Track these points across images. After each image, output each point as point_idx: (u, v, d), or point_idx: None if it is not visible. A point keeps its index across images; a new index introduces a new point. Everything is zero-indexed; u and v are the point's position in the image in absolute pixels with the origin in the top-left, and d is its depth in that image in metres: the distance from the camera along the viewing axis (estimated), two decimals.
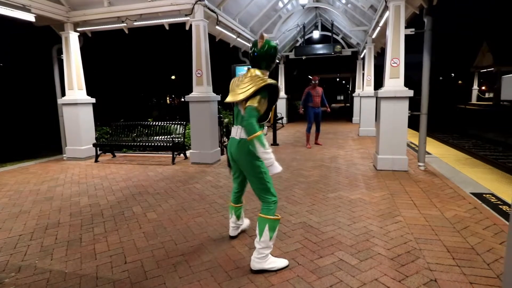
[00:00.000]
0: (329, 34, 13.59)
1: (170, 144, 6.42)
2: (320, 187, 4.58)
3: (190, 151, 6.41)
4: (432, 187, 4.41)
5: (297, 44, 14.44)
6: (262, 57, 2.38)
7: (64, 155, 7.32)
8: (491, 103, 27.32)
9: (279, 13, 10.25)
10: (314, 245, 2.80)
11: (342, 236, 2.96)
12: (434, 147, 7.49)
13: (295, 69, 21.76)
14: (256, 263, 2.37)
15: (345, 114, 19.99)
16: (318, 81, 7.74)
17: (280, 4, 10.01)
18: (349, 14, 10.05)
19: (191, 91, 6.31)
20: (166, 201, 4.13)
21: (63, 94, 7.14)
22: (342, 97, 36.61)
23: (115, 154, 7.47)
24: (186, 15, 6.20)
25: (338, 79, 41.15)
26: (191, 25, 6.26)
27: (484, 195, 4.04)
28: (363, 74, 14.06)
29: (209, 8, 6.30)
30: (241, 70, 8.26)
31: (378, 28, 7.77)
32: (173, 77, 36.25)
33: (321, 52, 12.91)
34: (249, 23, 9.15)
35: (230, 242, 2.91)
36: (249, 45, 10.03)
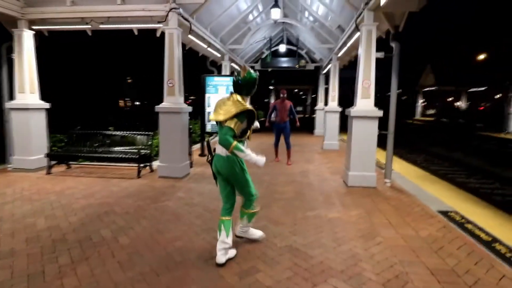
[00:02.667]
0: (294, 48, 13.97)
1: (136, 156, 6.02)
2: (297, 205, 4.57)
3: (158, 163, 6.06)
4: (402, 205, 4.62)
5: (263, 56, 14.61)
6: (244, 85, 2.79)
7: (9, 165, 6.51)
8: (433, 119, 30.10)
9: (249, 25, 10.29)
10: (305, 271, 2.73)
11: (331, 260, 2.94)
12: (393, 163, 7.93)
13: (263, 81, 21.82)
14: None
15: (306, 126, 20.57)
16: (286, 94, 7.56)
17: (250, 17, 10.05)
18: (315, 32, 10.41)
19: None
20: (138, 222, 3.81)
21: (11, 97, 6.37)
22: (301, 108, 37.87)
23: (70, 165, 6.81)
24: (158, 22, 5.92)
25: (296, 91, 42.40)
26: (162, 32, 6.00)
27: (449, 213, 4.32)
28: (325, 88, 14.65)
29: (183, 17, 6.08)
30: (211, 80, 8.13)
31: (345, 48, 8.12)
32: (129, 80, 34.62)
33: (286, 65, 13.20)
34: (220, 33, 9.04)
35: (217, 271, 2.73)
36: (218, 55, 9.91)
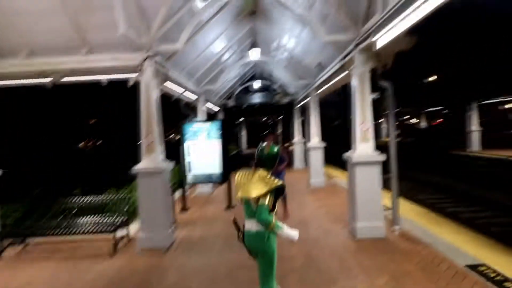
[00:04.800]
0: (267, 83, 13.88)
1: (112, 228, 5.09)
2: (314, 277, 3.93)
3: (139, 235, 5.17)
4: (425, 262, 4.16)
5: (236, 93, 14.30)
6: (269, 159, 2.95)
7: None
8: (399, 139, 31.35)
9: (224, 64, 9.94)
10: None
11: None
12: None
13: (232, 117, 21.44)
14: None
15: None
16: (273, 141, 6.74)
17: (226, 56, 9.74)
18: (291, 67, 10.29)
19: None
20: None
21: None
22: None
23: (28, 242, 5.64)
24: (132, 72, 5.29)
25: (264, 120, 42.70)
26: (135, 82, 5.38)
27: (479, 269, 3.91)
28: (302, 121, 14.55)
29: (159, 64, 5.51)
30: (191, 127, 7.50)
31: (327, 85, 7.95)
32: (91, 121, 32.79)
33: (261, 100, 12.99)
34: (195, 74, 8.54)
35: None
36: (194, 97, 9.35)
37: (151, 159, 5.16)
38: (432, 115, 33.53)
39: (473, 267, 3.95)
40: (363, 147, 5.18)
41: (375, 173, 5.12)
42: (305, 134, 15.48)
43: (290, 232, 2.68)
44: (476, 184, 11.23)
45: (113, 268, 4.50)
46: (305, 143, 14.60)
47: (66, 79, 5.39)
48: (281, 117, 30.01)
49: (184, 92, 7.96)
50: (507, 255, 4.37)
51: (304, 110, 14.63)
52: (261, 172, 2.77)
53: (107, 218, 5.53)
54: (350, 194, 5.45)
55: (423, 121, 33.80)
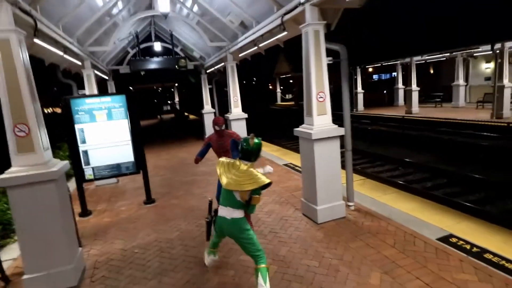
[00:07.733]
0: (165, 45, 11.83)
1: None
2: (297, 287, 3.13)
3: (25, 277, 3.34)
4: (401, 243, 3.87)
5: (129, 56, 11.75)
6: (254, 152, 2.95)
7: None
8: (293, 103, 33.15)
9: (114, 20, 7.61)
10: None
11: None
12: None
13: (126, 83, 18.18)
14: None
15: (187, 130, 18.72)
16: (224, 125, 4.70)
17: (115, 10, 7.42)
18: (202, 27, 8.70)
19: None
20: None
21: None
22: (168, 108, 35.15)
23: None
24: None
25: (157, 88, 38.95)
26: None
27: (451, 240, 3.83)
28: (209, 88, 13.23)
29: (20, 9, 3.40)
30: (82, 104, 5.45)
31: (254, 48, 6.87)
32: None
33: (162, 66, 11.00)
34: (76, 31, 6.16)
35: None
36: (78, 62, 6.91)
37: (29, 160, 3.25)
38: None
39: (444, 240, 3.86)
40: (321, 120, 4.48)
41: (335, 149, 4.54)
42: (214, 103, 14.32)
43: (267, 169, 3.29)
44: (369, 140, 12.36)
45: None
46: (215, 113, 13.50)
47: None
48: (173, 85, 27.55)
49: (63, 54, 5.64)
50: (460, 219, 4.50)
51: (213, 77, 13.33)
52: (250, 166, 2.90)
53: None
54: (306, 175, 4.77)
55: None
